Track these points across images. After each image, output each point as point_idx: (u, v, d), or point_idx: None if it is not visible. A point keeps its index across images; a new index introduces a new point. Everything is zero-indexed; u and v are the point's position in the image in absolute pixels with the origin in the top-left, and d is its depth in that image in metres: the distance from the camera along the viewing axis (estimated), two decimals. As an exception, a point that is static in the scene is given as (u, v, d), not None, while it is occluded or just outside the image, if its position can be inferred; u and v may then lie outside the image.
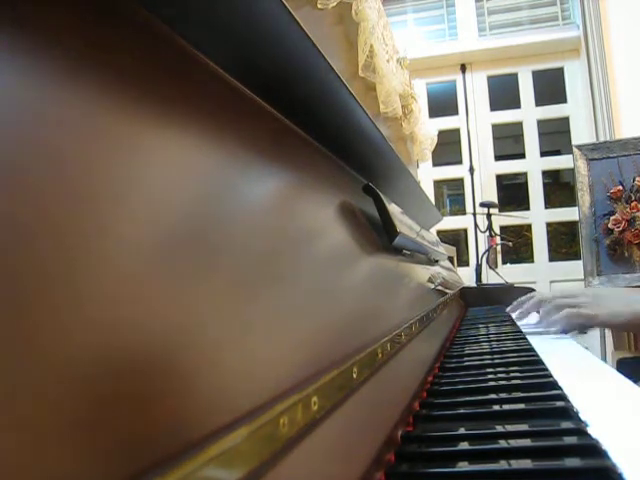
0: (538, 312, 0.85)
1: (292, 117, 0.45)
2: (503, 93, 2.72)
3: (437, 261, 1.14)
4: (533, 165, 2.64)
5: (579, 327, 0.74)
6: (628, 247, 2.13)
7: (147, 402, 0.14)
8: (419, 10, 2.77)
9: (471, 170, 2.70)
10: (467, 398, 0.44)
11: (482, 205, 2.04)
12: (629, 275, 2.11)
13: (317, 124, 0.48)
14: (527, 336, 0.76)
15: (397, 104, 1.07)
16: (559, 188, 3.00)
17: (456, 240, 2.82)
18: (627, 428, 0.34)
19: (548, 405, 0.39)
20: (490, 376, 0.52)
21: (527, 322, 0.87)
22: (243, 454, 0.16)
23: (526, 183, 2.67)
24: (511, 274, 2.32)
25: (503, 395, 0.45)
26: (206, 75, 0.31)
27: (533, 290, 1.44)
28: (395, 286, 0.58)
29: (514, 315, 0.89)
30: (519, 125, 2.69)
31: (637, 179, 2.16)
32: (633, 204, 2.14)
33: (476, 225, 2.25)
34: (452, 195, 3.17)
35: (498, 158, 2.71)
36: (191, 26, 0.28)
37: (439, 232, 2.57)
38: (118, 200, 0.18)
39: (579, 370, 0.54)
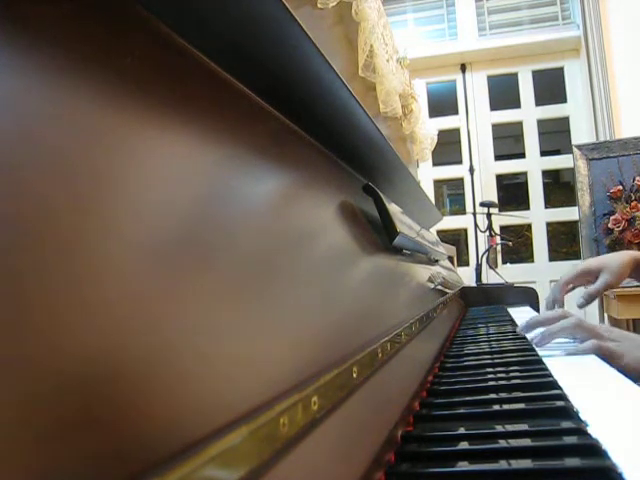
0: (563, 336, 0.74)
1: (292, 117, 0.45)
2: (503, 93, 2.72)
3: (437, 261, 1.14)
4: (533, 165, 2.64)
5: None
6: (628, 247, 2.13)
7: (147, 402, 0.14)
8: (419, 10, 2.77)
9: (471, 170, 2.70)
10: (467, 398, 0.44)
11: (482, 205, 2.04)
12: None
13: (317, 124, 0.48)
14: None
15: (397, 104, 1.07)
16: (559, 188, 3.00)
17: (456, 240, 2.82)
18: (627, 428, 0.34)
19: (548, 405, 0.39)
20: (490, 376, 0.52)
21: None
22: (243, 454, 0.16)
23: (526, 183, 2.67)
24: (511, 274, 2.32)
25: (503, 395, 0.45)
26: (206, 75, 0.31)
27: (533, 290, 1.43)
28: (395, 286, 0.58)
29: (535, 339, 0.69)
30: (519, 125, 2.69)
31: (637, 179, 2.16)
32: (633, 204, 2.14)
33: (476, 225, 2.25)
34: (452, 195, 3.17)
35: (498, 158, 2.71)
36: (191, 26, 0.28)
37: (439, 232, 2.57)
38: (117, 200, 0.18)
39: (579, 370, 0.54)
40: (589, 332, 0.64)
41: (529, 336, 0.71)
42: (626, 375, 0.49)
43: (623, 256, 0.84)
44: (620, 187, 2.18)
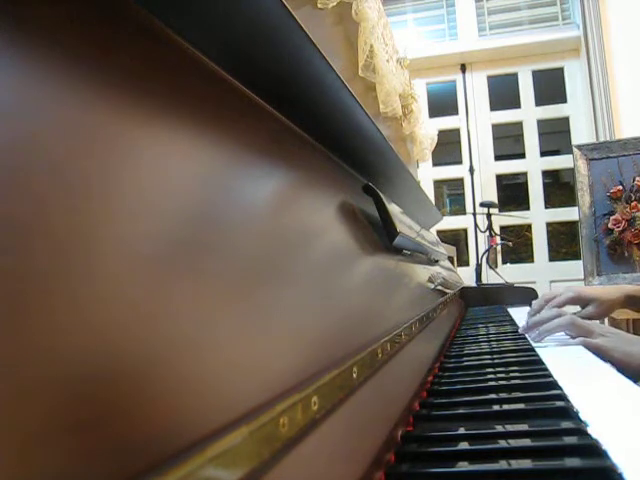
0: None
1: (292, 117, 0.44)
2: (503, 93, 2.72)
3: (437, 261, 1.14)
4: (533, 165, 2.64)
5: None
6: (628, 247, 2.13)
7: (148, 402, 0.14)
8: (419, 10, 2.77)
9: (471, 170, 2.70)
10: (467, 398, 0.44)
11: (482, 205, 2.04)
12: (629, 275, 2.11)
13: (317, 124, 0.48)
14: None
15: (397, 104, 1.07)
16: (559, 188, 3.00)
17: (456, 240, 2.81)
18: (627, 428, 0.34)
19: (548, 405, 0.39)
20: (490, 376, 0.52)
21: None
22: (243, 454, 0.16)
23: (526, 183, 2.67)
24: (511, 274, 2.32)
25: (503, 395, 0.45)
26: (206, 75, 0.31)
27: (533, 290, 1.41)
28: (395, 286, 0.58)
29: (532, 335, 0.74)
30: (519, 125, 2.69)
31: (637, 179, 2.16)
32: (633, 204, 2.14)
33: (476, 225, 2.25)
34: (452, 195, 3.17)
35: (498, 158, 2.70)
36: (191, 26, 0.28)
37: (439, 232, 2.56)
38: (116, 201, 0.18)
39: (579, 370, 0.54)
40: (582, 329, 0.68)
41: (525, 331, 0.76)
42: (617, 369, 0.52)
43: (616, 292, 0.89)
44: (620, 187, 2.17)
